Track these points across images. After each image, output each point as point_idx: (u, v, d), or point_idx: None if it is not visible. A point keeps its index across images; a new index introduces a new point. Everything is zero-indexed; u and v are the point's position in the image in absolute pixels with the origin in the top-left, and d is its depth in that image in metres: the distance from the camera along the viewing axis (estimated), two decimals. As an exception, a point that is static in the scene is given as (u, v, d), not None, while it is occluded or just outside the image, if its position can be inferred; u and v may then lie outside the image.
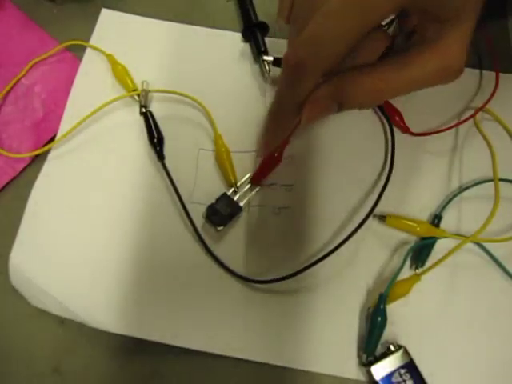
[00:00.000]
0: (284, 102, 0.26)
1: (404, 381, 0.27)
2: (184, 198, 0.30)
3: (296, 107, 0.25)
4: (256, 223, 0.30)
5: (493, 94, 0.33)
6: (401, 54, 0.24)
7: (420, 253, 0.30)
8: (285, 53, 0.23)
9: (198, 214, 0.30)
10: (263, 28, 0.35)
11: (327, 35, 0.22)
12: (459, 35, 0.23)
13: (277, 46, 0.35)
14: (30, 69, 0.34)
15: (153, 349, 0.28)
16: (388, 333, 0.28)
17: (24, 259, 0.29)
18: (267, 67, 0.34)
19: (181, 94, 0.33)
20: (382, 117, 0.33)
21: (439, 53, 0.23)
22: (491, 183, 0.31)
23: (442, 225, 0.30)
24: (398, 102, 0.33)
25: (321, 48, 0.22)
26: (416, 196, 0.31)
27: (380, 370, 0.27)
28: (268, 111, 0.27)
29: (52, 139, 0.32)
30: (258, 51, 0.34)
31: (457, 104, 0.34)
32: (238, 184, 0.31)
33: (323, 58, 0.23)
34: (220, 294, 0.29)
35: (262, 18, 0.35)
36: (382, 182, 0.30)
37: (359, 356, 0.28)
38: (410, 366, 0.27)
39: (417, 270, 0.29)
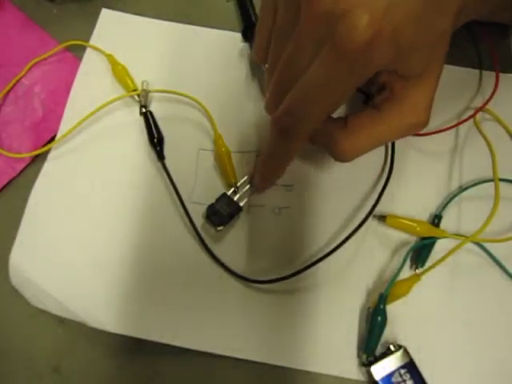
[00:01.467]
0: (276, 153, 0.27)
1: (404, 381, 0.27)
2: (184, 198, 0.30)
3: (287, 156, 0.27)
4: (256, 223, 0.30)
5: (493, 94, 0.33)
6: (370, 112, 0.25)
7: (420, 253, 0.30)
8: (272, 117, 0.25)
9: (198, 214, 0.30)
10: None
11: (308, 108, 0.23)
12: (425, 91, 0.24)
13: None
14: (29, 69, 0.34)
15: (153, 349, 0.28)
16: (388, 333, 0.28)
17: (24, 259, 0.29)
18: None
19: (181, 94, 0.33)
20: (382, 117, 0.33)
21: (408, 111, 0.24)
22: (491, 183, 0.31)
23: (442, 225, 0.30)
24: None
25: (303, 119, 0.23)
26: (416, 196, 0.31)
27: (380, 369, 0.27)
28: (260, 159, 0.29)
29: (52, 139, 0.32)
30: (258, 51, 0.34)
31: (457, 104, 0.34)
32: (238, 184, 0.31)
33: (307, 125, 0.24)
34: (220, 293, 0.29)
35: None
36: (382, 182, 0.30)
37: (359, 356, 0.28)
38: (410, 366, 0.27)
39: (417, 270, 0.29)
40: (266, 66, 0.27)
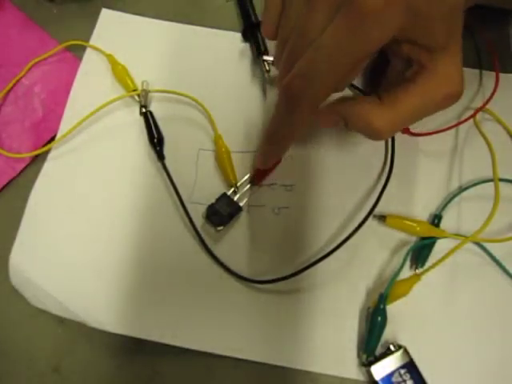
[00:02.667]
0: (280, 128, 0.26)
1: (404, 381, 0.27)
2: (184, 198, 0.30)
3: (292, 132, 0.26)
4: (256, 223, 0.30)
5: (493, 94, 0.33)
6: (405, 85, 0.25)
7: (420, 253, 0.30)
8: (281, 83, 0.24)
9: (198, 214, 0.30)
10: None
11: (321, 71, 0.22)
12: (455, 62, 0.24)
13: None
14: (29, 69, 0.34)
15: (153, 349, 0.28)
16: (388, 333, 0.28)
17: (24, 259, 0.29)
18: (267, 67, 0.34)
19: (181, 94, 0.33)
20: (382, 117, 0.33)
21: (443, 81, 0.24)
22: (491, 183, 0.31)
23: (442, 225, 0.30)
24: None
25: (315, 83, 0.23)
26: (416, 196, 0.31)
27: (380, 369, 0.27)
28: (264, 133, 0.27)
29: (52, 139, 0.32)
30: (258, 51, 0.34)
31: (457, 104, 0.34)
32: (238, 184, 0.31)
33: (318, 91, 0.23)
34: (220, 293, 0.29)
35: (262, 18, 0.35)
36: (382, 182, 0.30)
37: (359, 356, 0.28)
38: (410, 366, 0.27)
39: (417, 270, 0.29)
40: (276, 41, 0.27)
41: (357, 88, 0.33)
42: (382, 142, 0.33)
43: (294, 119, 0.25)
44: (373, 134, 0.25)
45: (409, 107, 0.25)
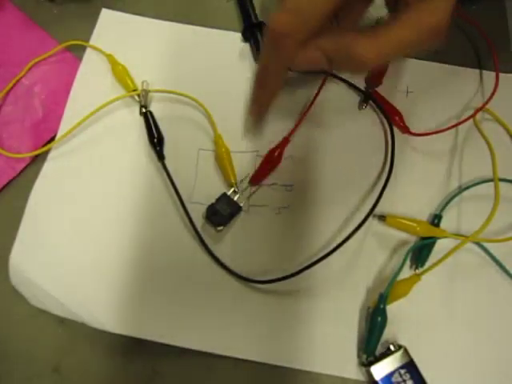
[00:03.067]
0: (269, 67, 0.26)
1: (404, 381, 0.27)
2: (184, 198, 0.30)
3: (281, 70, 0.26)
4: (256, 223, 0.30)
5: (493, 94, 0.33)
6: (390, 19, 0.25)
7: (420, 253, 0.30)
8: (269, 20, 0.24)
9: (198, 214, 0.30)
10: (263, 28, 0.35)
11: (306, 3, 0.23)
12: None
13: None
14: (30, 69, 0.34)
15: (153, 349, 0.28)
16: (388, 333, 0.28)
17: (24, 259, 0.29)
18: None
19: (181, 94, 0.33)
20: (382, 117, 0.33)
21: (427, 11, 0.24)
22: (491, 183, 0.31)
23: (442, 225, 0.30)
24: (398, 103, 0.33)
25: (302, 13, 0.23)
26: (416, 196, 0.31)
27: (380, 369, 0.27)
28: (254, 77, 0.27)
29: (52, 139, 0.32)
30: (258, 51, 0.34)
31: (457, 104, 0.34)
32: (238, 184, 0.31)
33: (305, 24, 0.23)
34: (220, 293, 0.29)
35: (261, 17, 0.35)
36: (381, 182, 0.30)
37: (359, 356, 0.28)
38: (410, 366, 0.27)
39: (417, 270, 0.29)
40: None
41: (357, 88, 0.34)
42: (383, 142, 0.33)
43: (281, 56, 0.25)
44: (356, 61, 0.25)
45: (392, 37, 0.25)
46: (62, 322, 0.28)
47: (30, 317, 0.28)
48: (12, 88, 0.33)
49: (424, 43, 0.25)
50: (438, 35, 0.25)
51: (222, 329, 0.28)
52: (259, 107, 0.29)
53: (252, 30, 0.35)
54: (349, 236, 0.28)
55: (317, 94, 0.33)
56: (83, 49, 0.35)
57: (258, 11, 0.36)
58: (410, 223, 0.30)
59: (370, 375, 0.27)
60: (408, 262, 0.30)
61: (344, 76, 0.34)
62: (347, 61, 0.25)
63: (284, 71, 0.26)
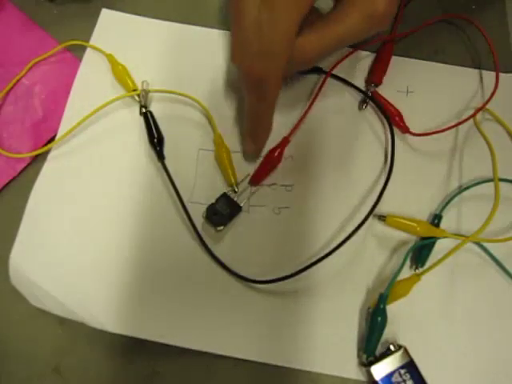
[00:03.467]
0: (259, 112, 0.28)
1: (404, 381, 0.27)
2: (184, 198, 0.30)
3: (268, 109, 0.28)
4: (256, 223, 0.30)
5: (493, 94, 0.33)
6: (324, 15, 0.25)
7: (420, 253, 0.30)
8: (243, 68, 0.25)
9: (198, 214, 0.30)
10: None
11: (272, 46, 0.24)
12: None
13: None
14: (30, 69, 0.34)
15: (153, 349, 0.28)
16: (388, 333, 0.28)
17: (24, 259, 0.29)
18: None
19: (181, 94, 0.33)
20: (382, 117, 0.33)
21: (362, 2, 0.24)
22: (491, 183, 0.31)
23: (442, 225, 0.30)
24: (398, 102, 0.33)
25: (270, 58, 0.24)
26: (416, 196, 0.31)
27: (380, 369, 0.27)
28: (246, 119, 0.29)
29: (52, 139, 0.32)
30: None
31: (457, 104, 0.34)
32: (238, 184, 0.31)
33: (279, 65, 0.24)
34: (220, 293, 0.29)
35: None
36: (381, 182, 0.30)
37: (359, 356, 0.28)
38: (410, 366, 0.27)
39: (417, 270, 0.29)
40: None
41: (357, 88, 0.34)
42: (383, 142, 0.33)
43: (265, 95, 0.26)
44: (295, 57, 0.26)
45: (330, 31, 0.25)
46: (62, 322, 0.28)
47: (30, 317, 0.28)
48: (12, 88, 0.33)
49: (369, 31, 0.25)
50: (383, 23, 0.25)
51: (222, 329, 0.28)
52: (257, 146, 0.30)
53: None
54: (349, 236, 0.28)
55: (317, 94, 0.33)
56: (83, 49, 0.35)
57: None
58: (410, 223, 0.30)
59: (370, 375, 0.27)
60: (408, 262, 0.30)
61: (344, 76, 0.34)
62: (294, 57, 0.26)
63: (272, 108, 0.28)
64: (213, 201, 0.30)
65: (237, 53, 0.26)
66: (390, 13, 0.25)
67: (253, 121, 0.28)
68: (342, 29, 0.25)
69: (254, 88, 0.26)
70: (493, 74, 0.34)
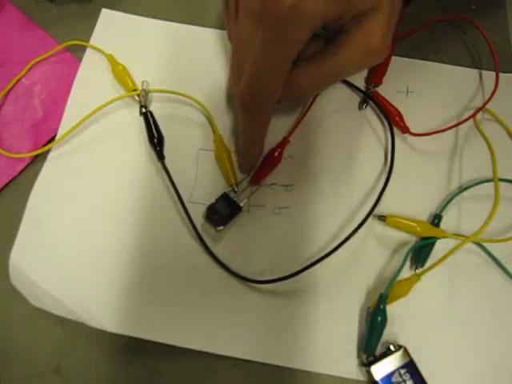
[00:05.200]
0: (249, 132, 0.28)
1: (404, 381, 0.27)
2: (184, 198, 0.30)
3: (260, 132, 0.28)
4: (256, 223, 0.30)
5: (493, 94, 0.33)
6: (325, 48, 0.26)
7: (420, 253, 0.30)
8: (237, 95, 0.26)
9: (198, 214, 0.30)
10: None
11: (262, 80, 0.24)
12: (378, 19, 0.24)
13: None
14: (30, 69, 0.34)
15: (153, 349, 0.28)
16: (388, 333, 0.28)
17: (24, 259, 0.29)
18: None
19: (181, 94, 0.33)
20: (382, 117, 0.33)
21: (358, 38, 0.24)
22: (491, 183, 0.31)
23: (442, 225, 0.30)
24: (398, 102, 0.33)
25: (262, 91, 0.25)
26: (416, 196, 0.31)
27: (380, 369, 0.27)
28: (240, 139, 0.30)
29: (52, 139, 0.32)
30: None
31: (457, 104, 0.34)
32: (238, 184, 0.31)
33: (267, 95, 0.25)
34: (220, 293, 0.29)
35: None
36: (381, 182, 0.30)
37: (359, 356, 0.28)
38: (410, 366, 0.27)
39: (417, 270, 0.29)
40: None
41: (357, 88, 0.34)
42: (383, 142, 0.33)
43: (256, 119, 0.27)
44: (291, 90, 0.26)
45: (326, 65, 0.25)
46: (62, 322, 0.28)
47: (30, 317, 0.28)
48: (12, 88, 0.33)
49: (365, 65, 0.26)
50: (378, 57, 0.25)
51: (221, 329, 0.28)
52: (250, 163, 0.31)
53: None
54: (349, 236, 0.28)
55: (317, 94, 0.33)
56: (83, 49, 0.35)
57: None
58: (410, 223, 0.30)
59: (370, 375, 0.27)
60: (408, 262, 0.30)
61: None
62: (286, 89, 0.26)
63: (264, 130, 0.28)
64: (213, 201, 0.30)
65: (233, 77, 0.27)
66: (385, 47, 0.25)
67: (245, 142, 0.29)
68: (336, 64, 0.25)
69: (246, 113, 0.27)
70: (493, 74, 0.34)
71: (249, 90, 0.25)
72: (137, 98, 0.33)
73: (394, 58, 0.34)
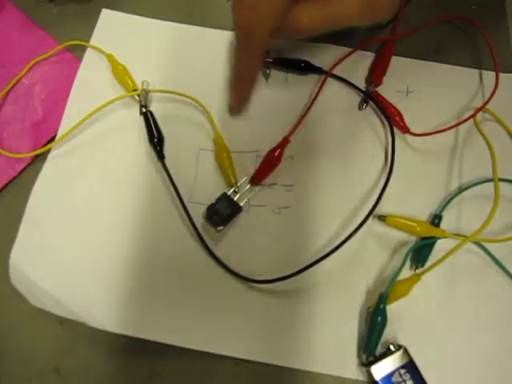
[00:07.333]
0: (245, 63, 0.28)
1: (404, 381, 0.27)
2: (184, 197, 0.30)
3: (256, 61, 0.28)
4: (256, 223, 0.30)
5: (493, 94, 0.33)
6: None
7: (420, 253, 0.30)
8: (234, 19, 0.26)
9: (198, 214, 0.30)
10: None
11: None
12: None
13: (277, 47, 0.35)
14: (30, 69, 0.34)
15: (153, 349, 0.28)
16: (388, 333, 0.28)
17: (24, 259, 0.29)
18: (267, 67, 0.34)
19: (181, 94, 0.33)
20: (382, 117, 0.33)
21: None
22: (491, 183, 0.31)
23: (442, 225, 0.30)
24: (398, 102, 0.33)
25: (261, 9, 0.24)
26: (416, 196, 0.31)
27: (380, 369, 0.27)
28: (233, 73, 0.29)
29: (52, 139, 0.32)
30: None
31: (457, 104, 0.34)
32: (238, 184, 0.31)
33: (266, 17, 0.25)
34: (220, 293, 0.29)
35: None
36: (382, 182, 0.30)
37: (359, 356, 0.28)
38: (410, 366, 0.27)
39: (417, 270, 0.29)
40: None
41: (357, 88, 0.34)
42: (383, 143, 0.33)
43: (253, 47, 0.27)
44: (290, 28, 0.26)
45: (326, 7, 0.25)
46: (62, 321, 0.28)
47: (30, 317, 0.28)
48: (12, 88, 0.33)
49: (367, 16, 0.25)
50: (382, 11, 0.25)
51: (221, 329, 0.28)
52: (240, 98, 0.31)
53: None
54: (349, 236, 0.28)
55: (317, 94, 0.33)
56: (83, 49, 0.35)
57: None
58: (410, 223, 0.30)
59: (370, 375, 0.27)
60: (408, 262, 0.30)
61: (344, 76, 0.34)
62: (286, 27, 0.26)
63: (257, 63, 0.28)
64: (213, 201, 0.30)
65: (235, 5, 0.27)
66: (390, 3, 0.25)
67: (238, 71, 0.29)
68: (338, 8, 0.25)
69: (242, 38, 0.26)
70: (493, 74, 0.34)
71: (246, 13, 0.25)
72: (137, 97, 0.33)
73: (394, 57, 0.34)
